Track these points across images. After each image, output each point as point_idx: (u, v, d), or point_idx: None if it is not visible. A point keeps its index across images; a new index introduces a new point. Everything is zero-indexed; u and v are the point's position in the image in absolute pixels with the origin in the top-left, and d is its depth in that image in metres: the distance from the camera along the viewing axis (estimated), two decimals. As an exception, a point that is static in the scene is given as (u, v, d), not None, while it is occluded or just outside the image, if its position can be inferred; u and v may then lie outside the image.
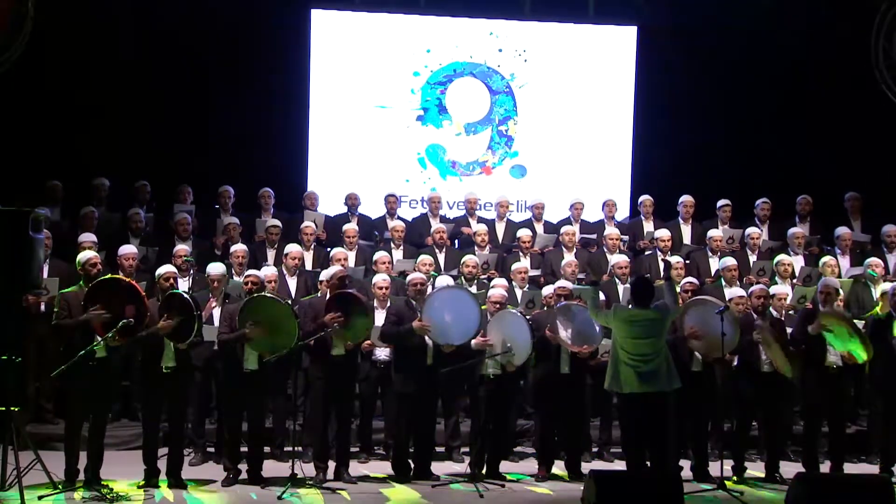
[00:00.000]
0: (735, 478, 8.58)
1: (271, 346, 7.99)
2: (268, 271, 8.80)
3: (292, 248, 9.63)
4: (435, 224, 10.88)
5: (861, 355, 8.42)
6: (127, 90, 11.33)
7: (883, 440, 8.94)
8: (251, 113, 11.69)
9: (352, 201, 11.11)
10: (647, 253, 10.90)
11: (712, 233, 10.73)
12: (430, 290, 8.81)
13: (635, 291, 8.02)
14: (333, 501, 7.73)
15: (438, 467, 8.62)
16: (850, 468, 8.82)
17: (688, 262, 10.39)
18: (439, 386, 8.47)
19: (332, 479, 8.19)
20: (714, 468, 8.39)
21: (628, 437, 8.23)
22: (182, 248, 9.45)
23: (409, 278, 8.74)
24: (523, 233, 10.60)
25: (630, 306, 8.06)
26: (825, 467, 8.70)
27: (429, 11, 12.50)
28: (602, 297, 8.85)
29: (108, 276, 8.08)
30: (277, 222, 10.40)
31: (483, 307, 8.66)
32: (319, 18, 12.18)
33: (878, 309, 9.18)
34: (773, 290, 9.07)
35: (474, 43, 12.46)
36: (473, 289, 9.44)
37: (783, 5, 12.22)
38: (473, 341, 8.33)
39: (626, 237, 11.02)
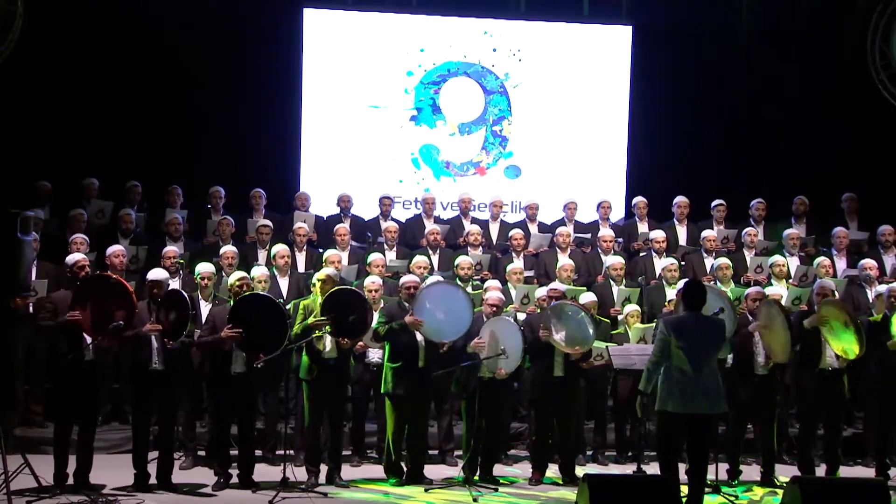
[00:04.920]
0: (730, 481, 8.52)
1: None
2: (259, 272, 8.74)
3: (280, 248, 9.57)
4: (429, 225, 10.83)
5: (853, 349, 8.28)
6: (117, 89, 11.25)
7: (879, 443, 8.89)
8: (243, 113, 11.64)
9: (344, 202, 11.04)
10: (641, 254, 10.85)
11: (706, 233, 10.69)
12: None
13: (687, 295, 7.28)
14: (325, 506, 7.69)
15: (432, 470, 8.55)
16: (845, 471, 8.79)
17: (683, 263, 10.36)
18: (431, 388, 8.44)
19: (324, 482, 8.13)
20: (709, 471, 8.31)
21: (667, 456, 7.38)
22: (171, 249, 9.38)
23: (401, 281, 8.67)
24: (515, 232, 10.54)
25: (682, 312, 7.38)
26: (821, 470, 8.66)
27: (422, 11, 12.45)
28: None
29: (97, 273, 8.02)
30: (268, 222, 10.34)
31: (478, 309, 8.61)
32: (312, 17, 12.12)
33: (874, 311, 9.14)
34: (767, 290, 9.04)
35: (468, 42, 12.40)
36: (468, 289, 9.38)
37: (781, 5, 12.18)
38: (470, 344, 8.26)
39: (620, 238, 10.97)
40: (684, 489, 7.09)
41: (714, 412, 7.13)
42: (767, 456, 8.66)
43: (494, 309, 8.52)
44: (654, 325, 9.00)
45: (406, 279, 8.65)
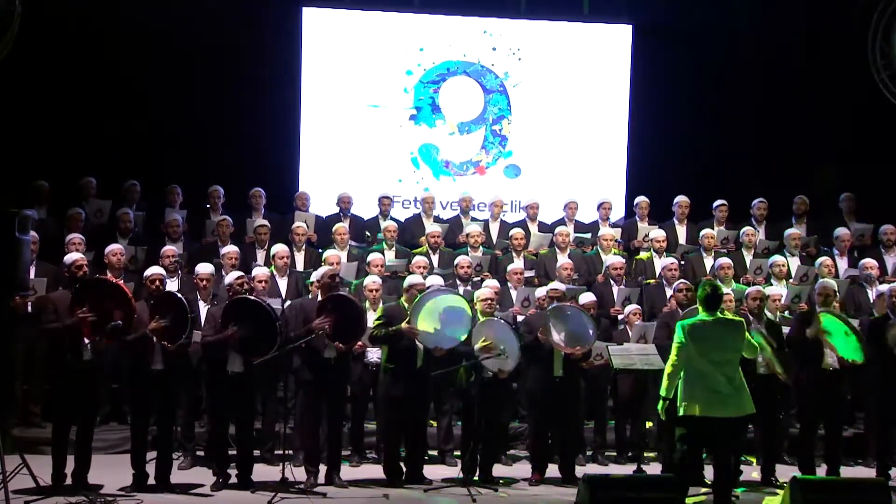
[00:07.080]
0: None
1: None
2: (260, 271, 8.71)
3: (279, 249, 9.55)
4: (428, 225, 10.80)
5: (857, 356, 8.29)
6: (116, 89, 11.24)
7: (879, 443, 8.87)
8: (242, 112, 11.62)
9: (344, 202, 11.02)
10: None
11: (705, 231, 10.68)
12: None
13: (705, 297, 7.09)
14: (324, 506, 7.66)
15: (431, 471, 8.53)
16: (846, 471, 8.77)
17: (682, 262, 10.34)
18: (429, 389, 8.42)
19: (323, 483, 8.11)
20: (710, 472, 8.29)
21: (691, 461, 7.34)
22: (170, 248, 9.37)
23: (406, 282, 8.60)
24: (515, 232, 10.51)
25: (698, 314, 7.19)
26: (821, 471, 8.64)
27: (422, 9, 12.45)
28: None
29: (96, 276, 8.00)
30: (266, 222, 10.32)
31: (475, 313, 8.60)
32: (311, 17, 12.11)
33: (875, 311, 9.12)
34: (767, 291, 9.01)
35: (468, 41, 12.38)
36: (468, 289, 9.36)
37: (781, 5, 12.16)
38: (476, 346, 8.23)
39: (619, 238, 10.94)
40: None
41: (739, 415, 6.97)
42: (767, 456, 8.64)
43: (488, 303, 8.48)
44: (654, 323, 9.03)
45: (412, 280, 8.60)
